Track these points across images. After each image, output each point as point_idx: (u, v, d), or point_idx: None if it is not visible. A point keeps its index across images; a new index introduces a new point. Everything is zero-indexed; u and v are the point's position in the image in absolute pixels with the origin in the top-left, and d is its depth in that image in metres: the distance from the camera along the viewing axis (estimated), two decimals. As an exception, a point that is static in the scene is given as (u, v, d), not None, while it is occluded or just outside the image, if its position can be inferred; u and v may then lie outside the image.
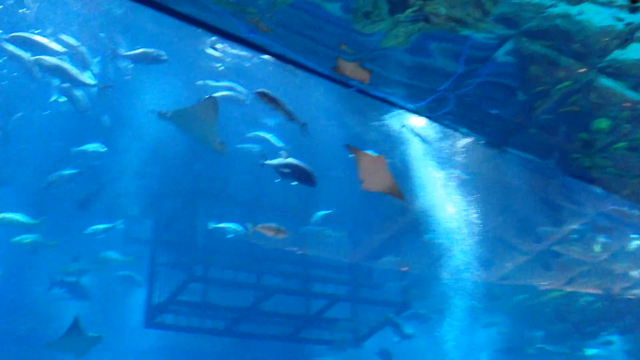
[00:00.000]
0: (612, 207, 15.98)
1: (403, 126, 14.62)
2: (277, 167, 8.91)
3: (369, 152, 7.03)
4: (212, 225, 14.11)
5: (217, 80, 13.48)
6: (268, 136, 14.17)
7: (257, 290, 15.92)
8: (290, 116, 7.32)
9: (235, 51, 13.05)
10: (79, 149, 14.02)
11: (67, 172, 14.34)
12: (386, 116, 14.48)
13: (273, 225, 11.54)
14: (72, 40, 12.38)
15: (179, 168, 15.65)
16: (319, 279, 16.73)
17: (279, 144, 14.14)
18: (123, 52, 12.08)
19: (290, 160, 8.87)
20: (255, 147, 13.88)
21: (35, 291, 16.63)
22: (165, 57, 11.90)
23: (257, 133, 14.23)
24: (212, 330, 16.73)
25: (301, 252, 16.18)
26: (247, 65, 13.47)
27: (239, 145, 14.05)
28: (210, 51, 12.89)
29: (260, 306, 16.29)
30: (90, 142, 14.21)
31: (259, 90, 7.14)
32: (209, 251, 15.23)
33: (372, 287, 17.43)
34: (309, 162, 9.27)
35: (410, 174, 14.70)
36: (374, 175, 6.82)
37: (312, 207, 14.97)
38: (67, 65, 11.79)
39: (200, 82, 13.22)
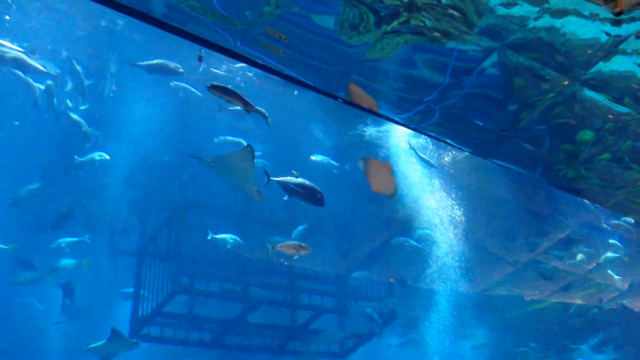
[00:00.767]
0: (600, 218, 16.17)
1: (410, 147, 14.81)
2: (286, 186, 8.94)
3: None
4: (210, 235, 14.15)
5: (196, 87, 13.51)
6: (239, 140, 14.18)
7: (243, 302, 15.84)
8: (249, 108, 7.07)
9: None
10: (82, 159, 14.01)
11: (33, 186, 14.32)
12: (369, 128, 14.59)
13: (294, 242, 11.35)
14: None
15: (166, 179, 15.61)
16: (305, 291, 16.68)
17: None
18: (136, 62, 11.99)
19: (301, 180, 8.90)
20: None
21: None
22: (181, 70, 11.81)
23: (227, 137, 14.24)
24: (199, 343, 16.60)
25: (288, 263, 16.16)
26: (237, 79, 13.51)
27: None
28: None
29: (247, 318, 16.21)
30: (80, 152, 14.18)
31: (211, 83, 6.96)
32: (195, 263, 15.15)
33: (359, 298, 17.40)
34: (292, 171, 9.31)
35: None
36: (380, 178, 7.21)
37: (298, 218, 14.96)
38: (25, 58, 11.73)
39: (174, 83, 13.19)
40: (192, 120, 14.55)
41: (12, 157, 14.86)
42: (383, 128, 14.43)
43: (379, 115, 6.83)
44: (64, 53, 12.81)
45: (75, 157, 14.02)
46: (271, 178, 9.16)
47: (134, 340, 13.17)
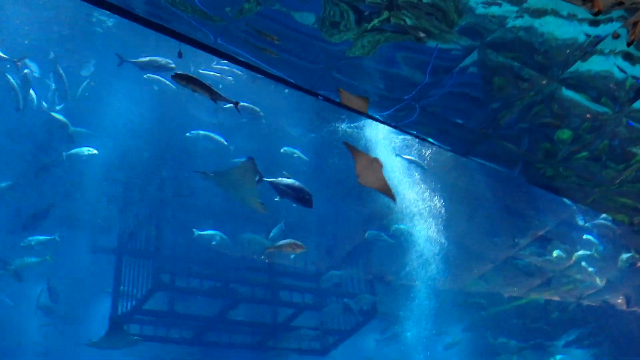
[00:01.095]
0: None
1: (398, 155, 14.90)
2: (278, 187, 8.93)
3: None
4: (197, 233, 14.13)
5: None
6: (212, 135, 14.15)
7: (224, 299, 15.79)
8: (215, 96, 6.85)
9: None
10: (70, 152, 13.91)
11: (3, 184, 14.22)
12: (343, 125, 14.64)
13: (289, 241, 11.23)
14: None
15: (145, 176, 15.50)
16: (286, 288, 16.68)
17: (223, 142, 14.18)
18: (127, 59, 11.87)
19: (291, 181, 8.90)
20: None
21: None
22: (173, 66, 11.70)
23: (199, 132, 14.21)
24: (179, 340, 16.53)
25: (268, 260, 16.13)
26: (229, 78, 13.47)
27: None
28: None
29: (228, 315, 16.17)
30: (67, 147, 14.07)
31: (175, 72, 6.78)
32: (175, 260, 15.08)
33: (339, 295, 17.42)
34: (271, 167, 9.34)
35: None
36: (369, 173, 7.22)
37: (278, 216, 14.92)
38: None
39: (147, 75, 13.08)
40: (172, 115, 14.45)
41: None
42: (360, 124, 14.46)
43: (359, 113, 6.83)
44: (52, 54, 12.69)
45: (63, 153, 13.92)
46: (263, 179, 9.15)
47: (135, 337, 13.59)
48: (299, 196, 8.73)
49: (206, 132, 14.13)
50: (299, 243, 10.88)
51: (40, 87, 13.34)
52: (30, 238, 14.70)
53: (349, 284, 17.61)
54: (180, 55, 7.13)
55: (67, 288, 16.78)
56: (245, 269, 15.91)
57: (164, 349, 17.02)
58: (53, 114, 13.53)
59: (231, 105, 7.50)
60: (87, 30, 12.53)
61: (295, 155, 14.58)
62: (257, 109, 13.57)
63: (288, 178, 8.97)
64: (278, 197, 9.00)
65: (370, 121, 13.55)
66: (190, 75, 6.71)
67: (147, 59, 11.84)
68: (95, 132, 14.30)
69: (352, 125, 14.51)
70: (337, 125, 14.66)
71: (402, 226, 16.49)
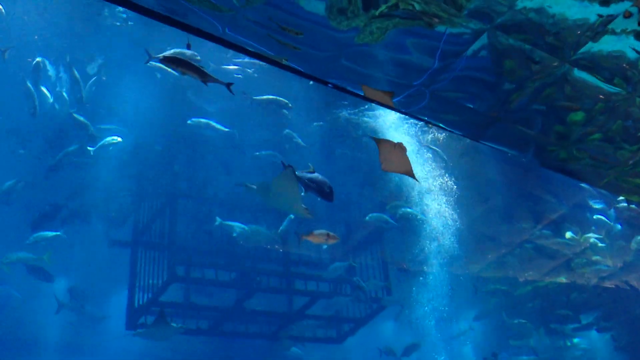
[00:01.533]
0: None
1: (423, 147, 14.87)
2: (303, 180, 8.94)
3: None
4: (219, 221, 14.25)
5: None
6: (212, 123, 14.18)
7: (239, 289, 15.88)
8: (205, 78, 6.60)
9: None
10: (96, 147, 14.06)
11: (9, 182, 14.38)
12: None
13: (322, 231, 11.18)
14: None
15: (158, 169, 15.59)
16: (301, 277, 16.72)
17: (223, 129, 14.21)
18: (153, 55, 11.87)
19: (315, 174, 8.91)
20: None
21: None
22: (198, 58, 11.58)
23: (200, 120, 14.24)
24: (196, 331, 16.65)
25: (283, 250, 16.18)
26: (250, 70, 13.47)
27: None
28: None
29: (244, 305, 16.25)
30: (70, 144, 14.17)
31: (163, 55, 6.55)
32: (189, 251, 15.16)
33: (353, 283, 17.44)
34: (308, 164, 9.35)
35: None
36: (394, 158, 7.37)
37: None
38: None
39: (151, 63, 13.05)
40: (182, 108, 14.50)
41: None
42: (365, 110, 14.42)
43: (370, 101, 6.81)
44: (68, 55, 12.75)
45: (89, 148, 14.07)
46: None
47: (179, 325, 13.78)
48: (322, 190, 8.75)
49: (207, 120, 14.17)
50: (333, 234, 10.85)
51: (48, 81, 13.43)
52: (35, 235, 14.83)
53: (364, 270, 17.63)
54: (188, 47, 7.08)
55: (85, 282, 16.95)
56: (260, 259, 15.98)
57: (183, 339, 17.18)
58: (75, 115, 13.69)
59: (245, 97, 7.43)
60: (97, 23, 12.55)
61: (294, 140, 14.63)
62: (285, 100, 13.56)
63: (312, 172, 8.97)
64: (303, 191, 9.03)
65: (375, 108, 13.54)
66: (178, 57, 6.49)
67: (172, 51, 11.74)
68: (109, 126, 14.39)
69: (354, 111, 14.49)
70: (341, 112, 14.65)
71: (409, 210, 16.46)
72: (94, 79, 13.60)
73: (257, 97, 13.48)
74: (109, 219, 16.54)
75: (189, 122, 14.11)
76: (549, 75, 6.77)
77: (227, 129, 14.18)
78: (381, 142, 7.34)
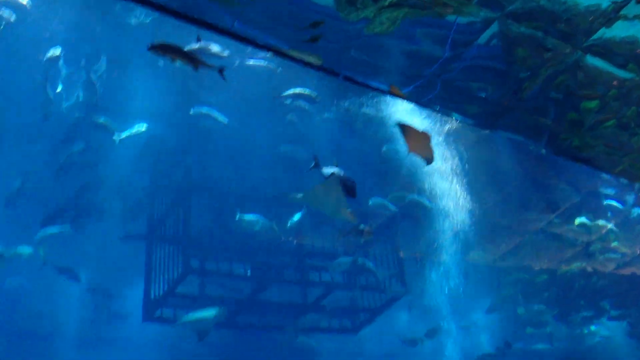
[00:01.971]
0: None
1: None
2: (325, 176, 8.99)
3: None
4: (238, 215, 14.31)
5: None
6: (213, 113, 14.13)
7: (254, 281, 15.94)
8: (196, 63, 6.44)
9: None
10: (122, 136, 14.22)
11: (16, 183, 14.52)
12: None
13: (364, 227, 11.23)
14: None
15: (171, 163, 15.66)
16: (315, 268, 16.74)
17: (223, 119, 14.18)
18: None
19: (338, 169, 8.93)
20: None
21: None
22: (225, 54, 11.34)
23: (202, 109, 14.19)
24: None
25: (297, 241, 16.21)
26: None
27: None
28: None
29: (258, 297, 16.31)
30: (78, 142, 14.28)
31: (151, 44, 6.34)
32: (204, 244, 15.24)
33: (369, 273, 17.44)
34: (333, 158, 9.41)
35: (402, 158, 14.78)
36: (419, 145, 7.56)
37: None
38: None
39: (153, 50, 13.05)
40: (195, 102, 14.53)
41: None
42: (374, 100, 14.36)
43: (381, 91, 6.79)
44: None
45: (116, 133, 14.18)
46: (316, 168, 9.16)
47: (222, 308, 14.18)
48: (346, 185, 8.76)
49: (208, 109, 14.12)
50: (368, 228, 10.90)
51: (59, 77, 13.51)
52: (42, 230, 14.95)
53: (377, 261, 17.61)
54: (198, 40, 7.05)
55: (103, 277, 17.12)
56: (274, 251, 16.01)
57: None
58: (97, 119, 13.84)
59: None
60: (107, 20, 12.60)
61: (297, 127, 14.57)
62: (313, 95, 13.41)
63: (336, 166, 8.97)
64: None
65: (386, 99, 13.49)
66: (167, 44, 6.36)
67: (197, 46, 11.56)
68: (121, 122, 14.47)
69: (367, 101, 14.42)
70: (354, 102, 14.59)
71: (416, 197, 16.38)
72: (105, 75, 13.64)
73: (284, 93, 13.30)
74: (124, 213, 16.64)
75: (191, 112, 14.09)
76: (561, 62, 6.71)
77: (226, 120, 14.13)
78: (408, 130, 7.48)
